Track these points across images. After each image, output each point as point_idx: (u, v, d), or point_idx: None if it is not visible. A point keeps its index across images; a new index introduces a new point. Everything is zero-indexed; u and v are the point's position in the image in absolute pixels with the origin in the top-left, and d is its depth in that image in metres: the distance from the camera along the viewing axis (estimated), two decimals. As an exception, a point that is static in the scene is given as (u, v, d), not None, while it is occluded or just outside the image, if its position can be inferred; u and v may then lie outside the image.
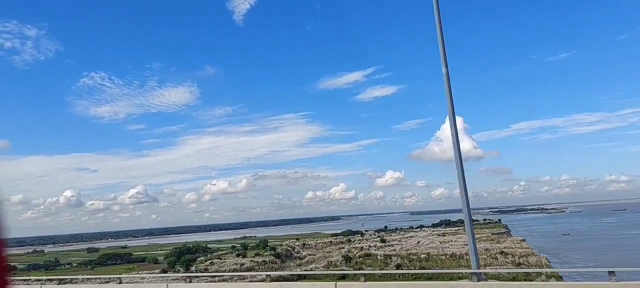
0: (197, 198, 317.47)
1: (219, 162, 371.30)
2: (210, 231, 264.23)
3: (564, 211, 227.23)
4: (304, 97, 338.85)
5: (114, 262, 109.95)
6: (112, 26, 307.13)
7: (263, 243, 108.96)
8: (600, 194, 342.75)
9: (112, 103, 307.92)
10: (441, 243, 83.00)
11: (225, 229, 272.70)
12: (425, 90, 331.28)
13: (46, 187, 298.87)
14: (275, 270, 69.20)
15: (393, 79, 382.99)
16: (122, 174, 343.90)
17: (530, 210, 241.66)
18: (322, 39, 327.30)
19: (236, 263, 78.43)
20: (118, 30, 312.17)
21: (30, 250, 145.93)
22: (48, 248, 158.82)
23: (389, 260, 62.65)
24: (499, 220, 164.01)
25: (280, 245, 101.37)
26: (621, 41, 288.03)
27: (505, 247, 68.90)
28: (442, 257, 62.43)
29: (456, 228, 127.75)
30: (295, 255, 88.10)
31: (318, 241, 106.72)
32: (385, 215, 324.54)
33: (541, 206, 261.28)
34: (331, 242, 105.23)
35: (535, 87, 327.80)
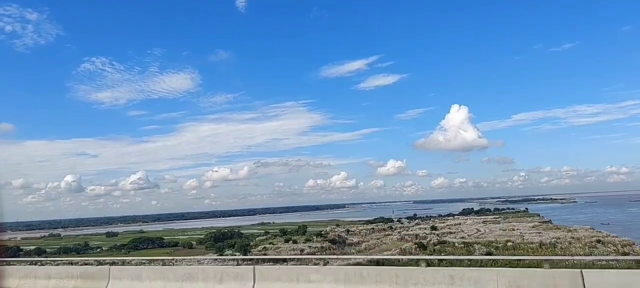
0: (198, 184, 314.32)
1: (219, 150, 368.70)
2: (211, 218, 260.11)
3: (575, 201, 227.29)
4: (306, 85, 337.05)
5: (146, 246, 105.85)
6: (113, 11, 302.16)
7: (302, 229, 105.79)
8: (600, 185, 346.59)
9: (113, 88, 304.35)
10: (504, 231, 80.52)
11: (228, 216, 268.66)
12: (427, 79, 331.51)
13: (47, 171, 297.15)
14: (335, 255, 65.73)
15: (395, 68, 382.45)
16: (122, 160, 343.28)
17: (538, 200, 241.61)
18: (325, 26, 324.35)
19: (292, 249, 74.92)
20: (119, 15, 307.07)
21: (46, 234, 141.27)
22: (61, 233, 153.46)
23: (470, 248, 59.73)
24: (526, 209, 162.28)
25: (322, 231, 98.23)
26: (625, 32, 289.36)
27: (582, 236, 66.47)
28: (531, 245, 59.56)
29: (493, 216, 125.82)
30: (349, 241, 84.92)
31: (360, 228, 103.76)
32: (389, 203, 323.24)
33: (545, 196, 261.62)
34: (373, 229, 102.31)
35: (537, 78, 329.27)
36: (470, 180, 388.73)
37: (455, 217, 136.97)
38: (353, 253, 71.18)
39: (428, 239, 72.40)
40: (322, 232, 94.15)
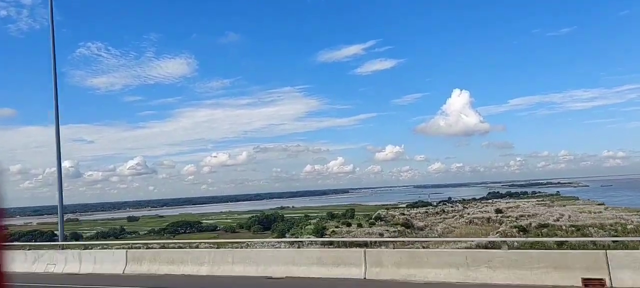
0: (196, 170, 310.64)
1: (215, 135, 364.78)
2: (212, 203, 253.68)
3: (587, 185, 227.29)
4: (302, 70, 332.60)
5: (184, 230, 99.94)
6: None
7: (350, 212, 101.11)
8: (596, 170, 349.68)
9: (108, 74, 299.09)
10: (589, 213, 76.76)
11: (230, 201, 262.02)
12: (425, 65, 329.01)
13: (42, 157, 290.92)
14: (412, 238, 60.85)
15: (392, 52, 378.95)
16: (119, 146, 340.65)
17: (546, 184, 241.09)
18: (322, 10, 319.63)
19: (368, 233, 69.62)
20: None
21: (65, 219, 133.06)
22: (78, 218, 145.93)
23: (586, 231, 55.25)
24: (558, 192, 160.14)
25: (380, 215, 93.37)
26: (623, 17, 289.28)
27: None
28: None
29: (535, 199, 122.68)
30: (418, 225, 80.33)
31: (413, 212, 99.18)
32: (390, 188, 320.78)
33: (550, 180, 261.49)
34: (427, 212, 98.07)
35: (534, 63, 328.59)
36: (467, 165, 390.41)
37: (487, 201, 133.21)
38: (434, 236, 66.41)
39: (528, 222, 68.03)
40: (379, 216, 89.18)
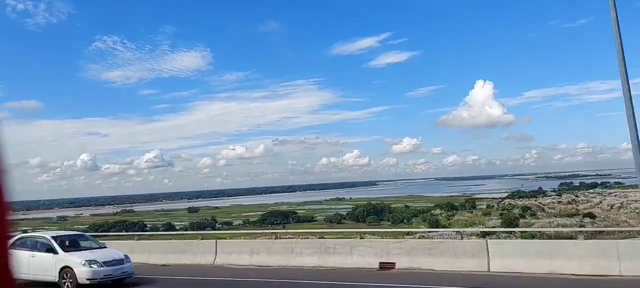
0: (212, 163, 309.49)
1: (228, 128, 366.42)
2: (230, 196, 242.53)
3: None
4: (316, 63, 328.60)
5: (278, 221, 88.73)
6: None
7: (470, 203, 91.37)
8: (614, 163, 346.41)
9: (124, 67, 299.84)
10: None
11: (247, 195, 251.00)
12: (439, 57, 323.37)
13: (57, 151, 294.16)
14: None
15: (407, 44, 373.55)
16: (133, 139, 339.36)
17: (585, 176, 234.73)
18: (337, 2, 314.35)
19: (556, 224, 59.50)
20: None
21: (118, 210, 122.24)
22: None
23: None
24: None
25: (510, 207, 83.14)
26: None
27: None
28: None
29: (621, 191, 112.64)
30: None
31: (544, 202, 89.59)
32: (413, 180, 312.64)
33: (587, 172, 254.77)
34: (560, 201, 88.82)
35: (550, 54, 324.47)
36: (482, 158, 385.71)
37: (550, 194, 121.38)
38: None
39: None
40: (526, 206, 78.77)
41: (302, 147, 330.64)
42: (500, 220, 57.52)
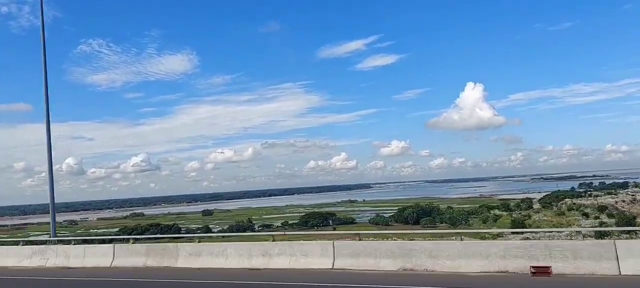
0: (199, 167, 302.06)
1: (215, 132, 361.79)
2: (215, 200, 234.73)
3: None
4: (304, 66, 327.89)
5: (319, 223, 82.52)
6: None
7: (526, 203, 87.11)
8: (598, 164, 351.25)
9: (109, 71, 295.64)
10: None
11: (235, 198, 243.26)
12: (426, 60, 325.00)
13: (41, 155, 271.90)
14: None
15: (394, 48, 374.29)
16: (119, 143, 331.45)
17: (583, 177, 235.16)
18: (324, 5, 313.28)
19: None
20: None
21: (127, 213, 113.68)
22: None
23: None
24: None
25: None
26: (625, 11, 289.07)
27: None
28: None
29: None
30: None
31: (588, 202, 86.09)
32: (402, 182, 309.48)
33: (585, 174, 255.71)
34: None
35: (535, 57, 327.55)
36: (469, 160, 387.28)
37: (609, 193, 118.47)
38: None
39: None
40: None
41: (291, 150, 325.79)
42: (614, 219, 52.82)
